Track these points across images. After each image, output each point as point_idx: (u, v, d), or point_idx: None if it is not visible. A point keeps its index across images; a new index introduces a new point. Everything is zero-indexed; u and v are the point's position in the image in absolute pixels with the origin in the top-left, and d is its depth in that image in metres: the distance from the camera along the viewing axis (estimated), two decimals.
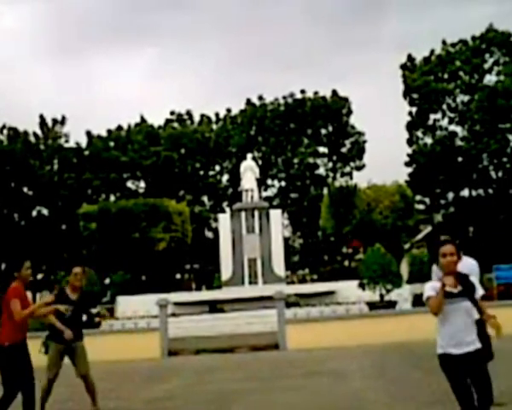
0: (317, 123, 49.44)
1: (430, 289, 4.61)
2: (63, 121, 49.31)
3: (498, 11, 72.95)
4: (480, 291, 4.65)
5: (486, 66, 43.38)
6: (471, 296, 4.58)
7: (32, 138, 48.19)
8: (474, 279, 4.70)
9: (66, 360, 8.01)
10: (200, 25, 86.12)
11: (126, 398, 9.84)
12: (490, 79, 42.94)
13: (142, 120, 50.91)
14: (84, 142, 49.21)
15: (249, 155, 33.23)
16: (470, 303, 4.57)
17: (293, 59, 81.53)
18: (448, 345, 4.58)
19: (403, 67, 45.45)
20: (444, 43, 44.80)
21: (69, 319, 7.72)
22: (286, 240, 41.81)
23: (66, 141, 49.21)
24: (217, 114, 51.96)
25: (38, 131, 48.83)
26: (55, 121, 49.16)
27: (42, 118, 49.04)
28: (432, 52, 44.68)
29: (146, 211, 34.56)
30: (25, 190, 46.96)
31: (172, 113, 52.02)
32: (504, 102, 38.69)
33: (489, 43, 43.03)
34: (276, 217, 30.23)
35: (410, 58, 45.63)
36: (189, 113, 52.13)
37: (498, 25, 43.52)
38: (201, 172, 50.03)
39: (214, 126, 51.75)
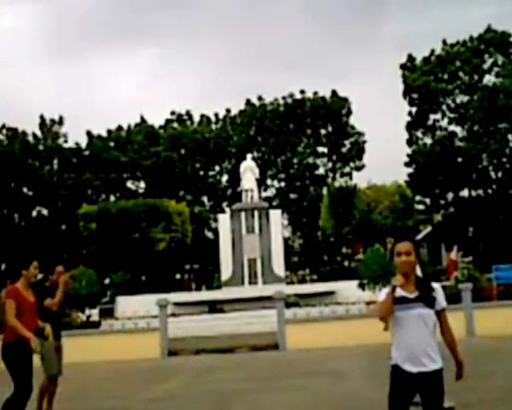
0: (317, 123, 49.42)
1: (384, 293, 4.08)
2: (61, 121, 49.31)
3: (498, 12, 73.09)
4: (442, 303, 4.08)
5: (486, 66, 43.41)
6: (429, 304, 4.00)
7: (31, 138, 48.18)
8: (438, 287, 4.12)
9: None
10: (200, 25, 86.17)
11: (126, 398, 9.84)
12: (489, 79, 43.00)
13: (142, 120, 50.89)
14: (84, 142, 49.27)
15: (249, 156, 33.20)
16: (428, 311, 3.99)
17: (293, 59, 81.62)
18: (400, 357, 4.01)
19: (403, 67, 45.41)
20: (444, 43, 44.83)
21: (55, 317, 7.76)
22: (286, 240, 41.82)
23: (65, 141, 49.25)
24: (216, 115, 51.95)
25: (38, 132, 48.86)
26: (52, 121, 49.15)
27: (42, 118, 49.06)
28: (432, 52, 44.66)
29: (146, 211, 34.58)
30: (24, 190, 46.95)
31: (172, 113, 52.01)
32: (504, 102, 38.71)
33: (487, 44, 43.06)
34: (276, 217, 30.20)
35: (410, 58, 45.59)
36: (188, 113, 52.12)
37: (498, 25, 43.64)
38: (201, 173, 50.02)
39: (214, 127, 51.75)
